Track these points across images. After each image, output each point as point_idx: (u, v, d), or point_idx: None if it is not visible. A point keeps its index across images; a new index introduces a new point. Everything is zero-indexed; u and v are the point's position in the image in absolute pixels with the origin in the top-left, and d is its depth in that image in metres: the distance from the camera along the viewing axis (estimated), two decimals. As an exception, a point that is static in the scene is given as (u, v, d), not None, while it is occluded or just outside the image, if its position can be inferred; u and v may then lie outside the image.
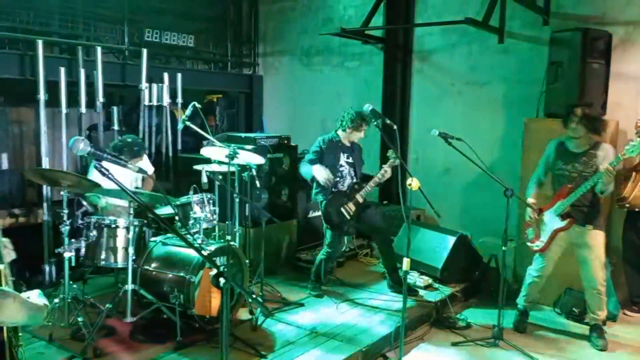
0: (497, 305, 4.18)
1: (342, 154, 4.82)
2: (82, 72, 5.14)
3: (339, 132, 4.81)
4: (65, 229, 3.83)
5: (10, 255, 2.24)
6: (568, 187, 4.15)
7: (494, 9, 5.03)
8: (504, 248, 4.12)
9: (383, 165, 4.67)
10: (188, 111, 4.25)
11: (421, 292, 4.97)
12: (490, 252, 5.30)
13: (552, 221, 4.26)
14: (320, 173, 4.62)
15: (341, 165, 4.81)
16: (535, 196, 4.43)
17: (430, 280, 5.14)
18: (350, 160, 4.85)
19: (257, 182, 4.49)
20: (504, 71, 5.77)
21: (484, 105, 5.94)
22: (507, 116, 5.78)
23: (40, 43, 4.74)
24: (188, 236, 4.03)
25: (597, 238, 4.16)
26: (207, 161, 4.40)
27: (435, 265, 5.24)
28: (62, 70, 4.92)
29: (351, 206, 4.69)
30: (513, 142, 5.50)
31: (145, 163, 4.93)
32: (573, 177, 4.16)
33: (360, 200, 4.74)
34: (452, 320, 4.62)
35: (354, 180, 4.85)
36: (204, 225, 4.16)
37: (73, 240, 3.89)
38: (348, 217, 4.68)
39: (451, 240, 5.28)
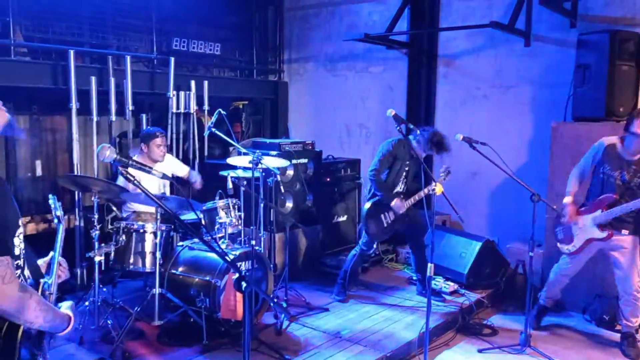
0: (524, 312, 4.13)
1: (406, 161, 4.77)
2: (112, 80, 5.27)
3: (414, 141, 4.63)
4: (95, 233, 3.95)
5: (65, 274, 2.18)
6: (613, 197, 3.95)
7: (519, 12, 4.99)
8: (531, 254, 4.06)
9: (434, 181, 4.34)
10: (213, 118, 4.32)
11: (447, 298, 4.93)
12: (517, 257, 5.23)
13: (588, 229, 4.09)
14: (397, 207, 4.64)
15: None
16: (575, 192, 4.19)
17: (456, 286, 5.09)
18: (407, 167, 4.80)
19: (282, 188, 4.53)
20: (531, 74, 5.69)
21: (510, 109, 5.87)
22: (534, 120, 5.70)
23: (72, 53, 4.87)
24: (212, 241, 4.09)
25: (635, 244, 4.05)
26: (233, 167, 4.47)
27: (460, 271, 5.19)
28: (93, 79, 5.05)
29: (391, 215, 4.72)
30: (540, 146, 5.41)
31: (176, 163, 5.02)
32: (618, 186, 3.97)
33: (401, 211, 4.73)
34: (478, 326, 4.58)
35: (405, 187, 4.81)
36: (229, 230, 4.22)
37: (103, 244, 4.00)
38: (385, 224, 4.70)
39: (477, 245, 5.23)
